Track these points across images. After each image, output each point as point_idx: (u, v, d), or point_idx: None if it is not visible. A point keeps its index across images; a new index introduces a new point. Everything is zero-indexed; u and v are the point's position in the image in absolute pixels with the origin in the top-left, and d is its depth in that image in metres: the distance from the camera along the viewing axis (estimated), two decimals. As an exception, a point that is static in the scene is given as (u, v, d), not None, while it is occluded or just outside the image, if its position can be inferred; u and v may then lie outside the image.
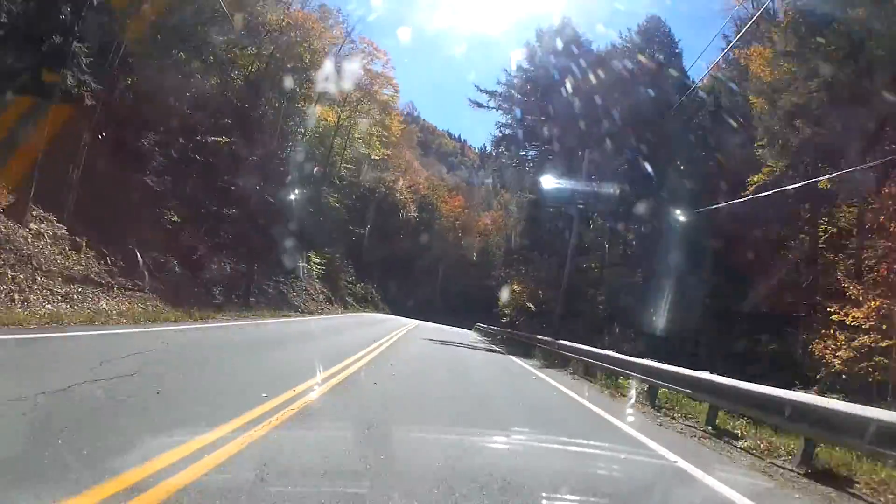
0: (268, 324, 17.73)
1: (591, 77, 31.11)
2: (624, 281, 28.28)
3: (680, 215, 22.25)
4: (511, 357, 18.70)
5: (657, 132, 28.66)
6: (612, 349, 14.57)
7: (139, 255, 18.65)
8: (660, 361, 10.66)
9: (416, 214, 68.16)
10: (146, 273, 18.67)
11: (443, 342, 19.97)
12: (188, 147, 23.36)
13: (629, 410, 9.59)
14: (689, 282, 19.61)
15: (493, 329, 36.56)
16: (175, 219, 22.03)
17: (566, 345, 16.84)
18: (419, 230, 70.91)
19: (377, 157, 43.29)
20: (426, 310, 61.25)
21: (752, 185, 20.25)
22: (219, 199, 26.75)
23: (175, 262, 21.97)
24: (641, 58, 32.23)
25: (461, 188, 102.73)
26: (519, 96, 36.03)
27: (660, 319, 19.44)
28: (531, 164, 39.95)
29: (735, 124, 24.91)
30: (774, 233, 20.66)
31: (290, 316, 23.19)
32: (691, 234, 21.36)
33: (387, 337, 16.90)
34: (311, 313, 28.42)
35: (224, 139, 24.01)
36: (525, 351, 20.77)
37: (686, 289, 19.50)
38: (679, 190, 23.21)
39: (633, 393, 10.75)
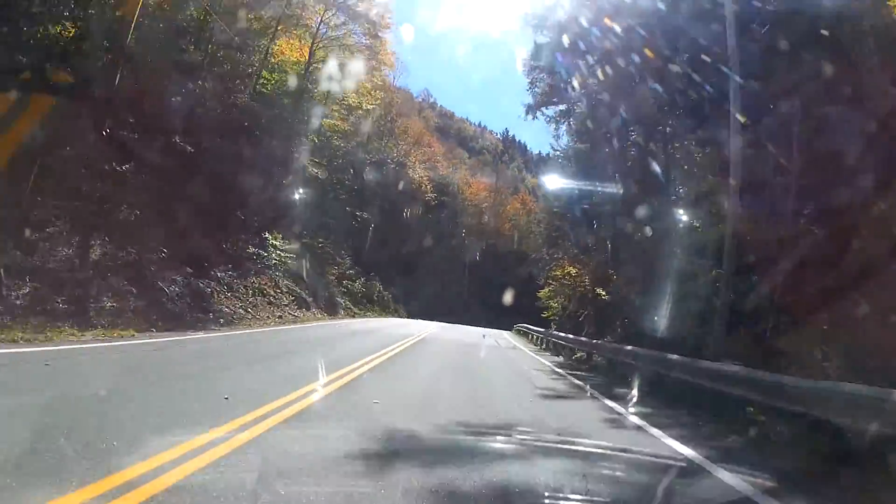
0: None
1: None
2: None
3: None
4: None
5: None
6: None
7: None
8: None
9: (433, 195, 57.08)
10: None
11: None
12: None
13: None
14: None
15: (559, 337, 21.83)
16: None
17: None
18: (439, 216, 59.96)
19: (370, 106, 32.49)
20: (451, 309, 50.70)
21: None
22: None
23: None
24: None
25: (485, 171, 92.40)
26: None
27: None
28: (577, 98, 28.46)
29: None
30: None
31: (171, 335, 12.24)
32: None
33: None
34: (252, 322, 17.68)
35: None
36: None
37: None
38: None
39: None
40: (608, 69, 21.65)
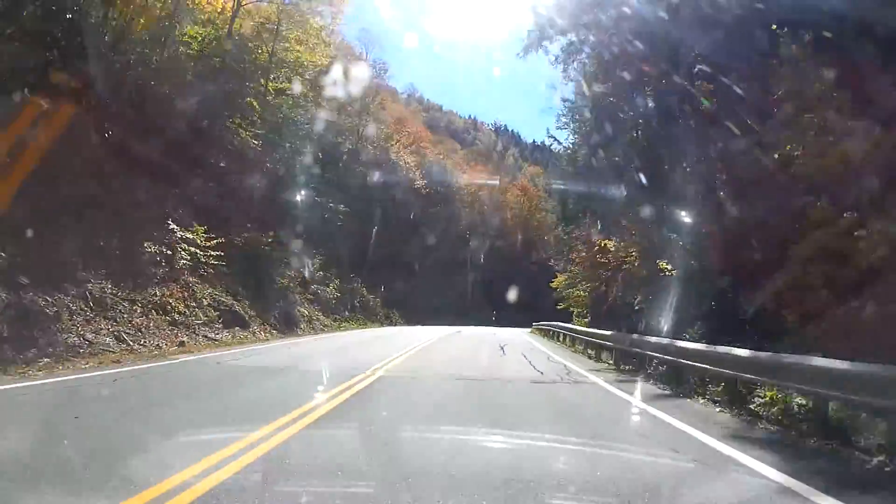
0: None
1: None
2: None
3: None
4: None
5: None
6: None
7: None
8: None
9: (423, 183, 50.18)
10: None
11: None
12: None
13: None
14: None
15: (682, 352, 9.37)
16: None
17: None
18: (436, 209, 52.98)
19: (324, 60, 25.51)
20: (456, 309, 44.32)
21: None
22: None
23: None
24: None
25: (480, 161, 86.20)
26: None
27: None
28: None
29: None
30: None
31: None
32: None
33: None
34: (122, 356, 10.82)
35: None
36: None
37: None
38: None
39: None
40: None
